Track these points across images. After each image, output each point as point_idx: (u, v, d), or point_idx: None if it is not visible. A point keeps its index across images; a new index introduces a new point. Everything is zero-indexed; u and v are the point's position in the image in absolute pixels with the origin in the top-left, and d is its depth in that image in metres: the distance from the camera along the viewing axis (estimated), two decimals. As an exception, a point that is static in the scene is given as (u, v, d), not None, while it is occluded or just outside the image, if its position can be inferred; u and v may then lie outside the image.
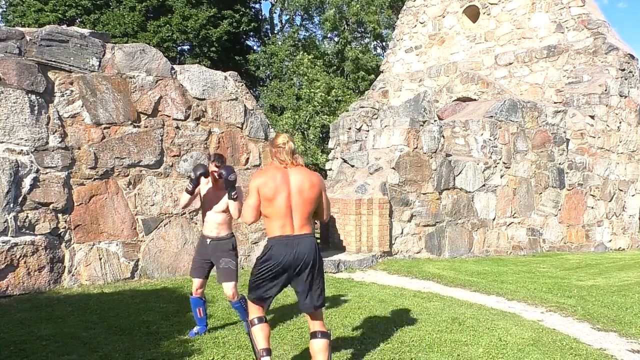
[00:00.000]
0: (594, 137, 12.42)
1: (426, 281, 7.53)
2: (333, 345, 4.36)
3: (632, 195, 13.54)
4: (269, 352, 3.46)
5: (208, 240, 4.55)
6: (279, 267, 3.37)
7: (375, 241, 8.91)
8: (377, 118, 11.37)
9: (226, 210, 4.49)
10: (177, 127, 7.14)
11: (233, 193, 4.29)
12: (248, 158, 7.79)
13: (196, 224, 7.31)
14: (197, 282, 4.61)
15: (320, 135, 23.57)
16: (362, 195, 8.99)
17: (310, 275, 3.42)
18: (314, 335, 3.48)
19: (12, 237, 5.82)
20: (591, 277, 8.17)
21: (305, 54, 24.01)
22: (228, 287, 4.54)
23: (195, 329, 4.57)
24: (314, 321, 3.50)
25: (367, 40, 26.50)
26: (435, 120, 9.86)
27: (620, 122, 13.04)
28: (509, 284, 7.35)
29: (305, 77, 23.08)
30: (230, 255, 4.55)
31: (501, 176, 10.82)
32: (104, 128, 6.57)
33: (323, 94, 21.65)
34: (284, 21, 29.26)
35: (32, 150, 6.01)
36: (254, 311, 3.55)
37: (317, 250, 3.44)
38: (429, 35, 16.71)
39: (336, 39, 26.45)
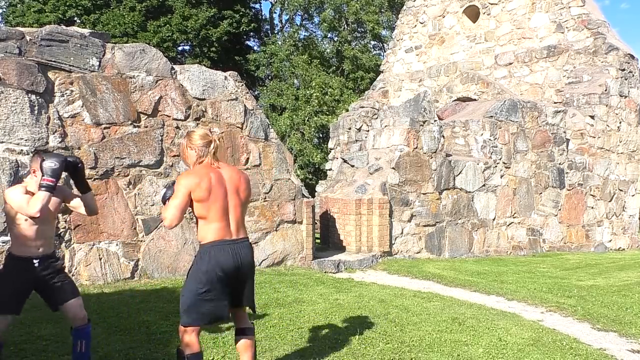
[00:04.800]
0: (594, 137, 12.42)
1: (426, 281, 7.53)
2: (333, 346, 4.37)
3: (632, 195, 13.54)
4: None
5: (36, 262, 3.39)
6: (223, 274, 3.02)
7: (375, 241, 8.91)
8: (377, 118, 11.37)
9: (55, 220, 3.72)
10: (177, 127, 7.14)
11: (86, 186, 3.54)
12: (248, 158, 7.79)
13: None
14: (6, 321, 3.37)
15: (320, 136, 23.57)
16: (362, 195, 8.99)
17: (250, 281, 3.22)
18: (243, 331, 3.26)
19: (12, 237, 5.81)
20: (591, 277, 8.17)
21: (300, 54, 24.03)
22: (79, 302, 3.54)
23: None
24: (241, 319, 3.29)
25: (366, 40, 26.49)
26: (435, 120, 9.86)
27: (620, 122, 13.04)
28: (509, 284, 7.35)
29: (302, 78, 23.12)
30: (64, 272, 3.62)
31: (501, 176, 10.82)
32: (104, 128, 6.57)
33: (319, 95, 21.66)
34: (284, 21, 29.28)
35: (32, 150, 6.01)
36: (193, 343, 3.05)
37: (253, 255, 3.24)
38: (429, 35, 16.71)
39: (335, 38, 26.46)
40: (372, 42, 27.08)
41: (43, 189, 3.18)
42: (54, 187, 3.22)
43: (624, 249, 13.15)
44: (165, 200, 3.19)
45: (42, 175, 3.20)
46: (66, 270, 6.21)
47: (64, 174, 3.56)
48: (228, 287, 3.08)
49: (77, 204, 3.57)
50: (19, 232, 3.35)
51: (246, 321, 3.31)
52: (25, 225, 3.33)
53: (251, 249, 3.21)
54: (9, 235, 5.81)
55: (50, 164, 3.20)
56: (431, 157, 9.67)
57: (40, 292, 3.46)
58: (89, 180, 6.38)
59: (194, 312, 3.02)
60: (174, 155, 7.06)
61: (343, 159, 10.63)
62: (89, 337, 3.49)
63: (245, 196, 3.20)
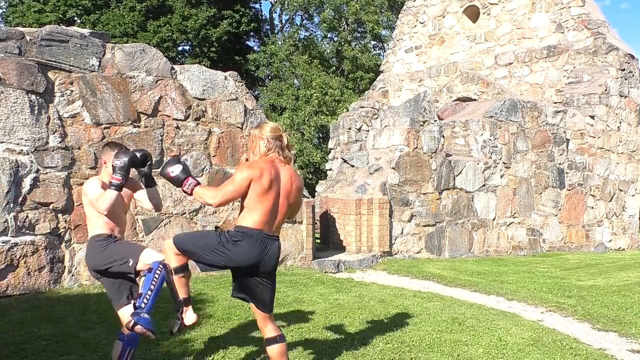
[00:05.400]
0: (594, 137, 12.42)
1: (426, 281, 7.53)
2: (333, 346, 4.37)
3: (632, 195, 13.54)
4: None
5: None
6: (254, 261, 3.07)
7: (375, 241, 8.91)
8: (377, 118, 11.37)
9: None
10: (177, 127, 7.14)
11: (153, 180, 3.62)
12: (248, 158, 7.77)
13: (196, 224, 7.31)
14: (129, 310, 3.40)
15: (320, 136, 23.57)
16: (362, 195, 8.99)
17: (272, 279, 3.22)
18: (275, 340, 3.22)
19: (12, 237, 5.81)
20: (591, 277, 8.17)
21: (301, 54, 24.02)
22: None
23: None
24: (268, 323, 3.24)
25: (366, 40, 26.49)
26: (435, 120, 9.86)
27: (620, 122, 13.04)
28: (509, 284, 7.35)
29: (302, 78, 23.12)
30: None
31: (501, 176, 10.82)
32: (104, 128, 6.57)
33: (319, 95, 21.66)
34: (284, 21, 29.28)
35: (32, 150, 6.01)
36: (176, 259, 3.18)
37: (279, 256, 3.24)
38: (429, 35, 16.71)
39: (335, 38, 26.46)
40: (372, 42, 27.08)
41: (112, 187, 3.32)
42: (122, 185, 3.34)
43: (624, 249, 13.15)
44: (170, 174, 3.14)
45: (112, 173, 3.32)
46: (66, 270, 6.23)
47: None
48: (247, 275, 3.12)
49: (141, 197, 3.64)
50: (105, 220, 3.49)
51: (276, 328, 3.29)
52: (103, 218, 3.46)
53: (279, 247, 3.22)
54: (8, 235, 5.81)
55: (117, 161, 3.32)
56: (431, 157, 9.67)
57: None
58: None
59: (191, 244, 3.13)
60: (174, 156, 7.05)
61: (343, 159, 10.63)
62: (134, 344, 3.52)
63: (293, 202, 3.21)
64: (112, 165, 3.34)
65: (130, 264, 3.41)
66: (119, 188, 3.33)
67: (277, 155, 3.14)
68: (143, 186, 3.64)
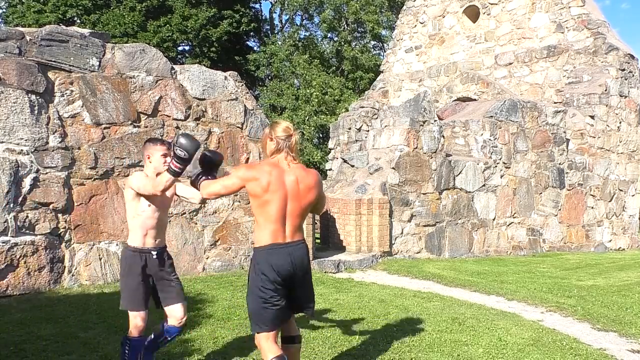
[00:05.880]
0: (594, 137, 12.42)
1: (426, 281, 7.53)
2: (333, 346, 4.37)
3: (632, 195, 13.54)
4: None
5: (154, 254, 3.43)
6: (280, 278, 2.96)
7: (375, 241, 8.91)
8: (377, 118, 11.37)
9: (166, 212, 3.59)
10: (177, 127, 7.14)
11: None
12: (248, 158, 7.79)
13: (196, 224, 7.31)
14: (143, 315, 3.39)
15: (320, 135, 23.56)
16: (362, 195, 8.99)
17: (308, 284, 3.16)
18: (292, 339, 3.25)
19: (12, 237, 5.82)
20: (591, 277, 8.17)
21: (301, 54, 24.01)
22: (182, 307, 3.52)
23: None
24: (290, 326, 3.25)
25: (366, 40, 26.49)
26: (435, 120, 9.86)
27: (620, 122, 13.04)
28: (509, 284, 7.35)
29: (302, 78, 23.11)
30: (175, 271, 3.59)
31: (501, 176, 10.82)
32: (104, 128, 6.57)
33: (319, 94, 21.66)
34: (284, 21, 29.28)
35: (32, 150, 6.01)
36: (272, 348, 2.96)
37: (309, 257, 3.18)
38: (429, 35, 16.71)
39: (335, 38, 26.46)
40: (372, 42, 27.08)
41: (171, 172, 3.11)
42: (180, 174, 3.15)
43: (624, 249, 13.15)
44: (182, 156, 3.06)
45: (172, 159, 3.09)
46: (66, 270, 6.23)
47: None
48: (285, 289, 3.01)
49: (185, 193, 3.53)
50: (140, 223, 3.39)
51: (295, 328, 3.29)
52: (146, 214, 3.38)
53: (306, 251, 3.10)
54: (8, 235, 5.79)
55: (180, 152, 3.06)
56: (431, 157, 9.67)
57: (158, 285, 3.48)
58: (88, 180, 6.41)
59: (259, 318, 2.97)
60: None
61: (343, 159, 10.63)
62: (173, 336, 3.55)
63: (308, 202, 3.06)
64: (174, 153, 3.06)
65: (125, 307, 3.39)
66: (177, 174, 3.12)
67: (287, 155, 3.03)
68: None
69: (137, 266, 3.38)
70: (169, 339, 3.56)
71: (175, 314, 3.48)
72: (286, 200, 2.97)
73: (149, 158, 3.46)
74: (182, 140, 3.07)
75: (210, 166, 3.30)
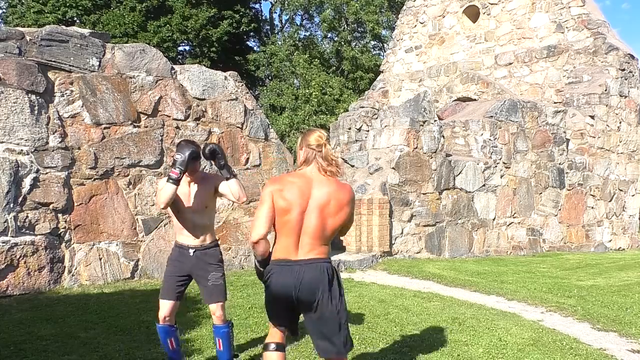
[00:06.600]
0: (594, 137, 12.41)
1: (426, 281, 7.53)
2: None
3: (632, 195, 13.54)
4: None
5: (191, 251, 3.60)
6: (281, 299, 2.76)
7: (375, 241, 8.91)
8: (377, 118, 11.36)
9: (209, 209, 3.67)
10: (177, 127, 7.14)
11: (227, 171, 3.55)
12: (248, 158, 7.79)
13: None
14: (168, 305, 3.61)
15: (320, 135, 23.52)
16: (362, 195, 8.99)
17: (324, 308, 2.73)
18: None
19: (12, 237, 5.82)
20: (591, 277, 8.17)
21: (301, 54, 24.00)
22: (218, 308, 3.62)
23: None
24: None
25: (366, 40, 26.49)
26: (435, 120, 9.86)
27: (620, 122, 13.04)
28: (509, 284, 7.35)
29: (302, 78, 23.11)
30: (219, 269, 3.67)
31: (501, 176, 10.82)
32: (104, 128, 6.57)
33: (318, 94, 21.65)
34: (284, 21, 29.29)
35: (32, 150, 6.01)
36: (271, 334, 2.95)
37: (331, 278, 2.75)
38: (429, 35, 16.71)
39: (335, 38, 26.46)
40: (372, 42, 27.07)
41: (170, 181, 3.39)
42: (179, 179, 3.40)
43: (624, 249, 13.15)
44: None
45: (172, 166, 3.42)
46: (66, 270, 6.22)
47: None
48: (288, 312, 2.83)
49: (225, 191, 3.65)
50: (175, 222, 3.65)
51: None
52: (176, 215, 3.60)
53: (320, 270, 2.74)
54: (8, 235, 5.82)
55: (177, 155, 3.42)
56: (431, 157, 9.67)
57: (197, 283, 3.68)
58: (88, 180, 6.41)
59: (267, 310, 2.96)
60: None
61: (343, 159, 10.63)
62: (224, 337, 3.64)
63: (337, 220, 2.77)
64: (173, 159, 3.43)
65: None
66: (175, 182, 3.39)
67: (319, 167, 2.79)
68: (225, 179, 3.64)
69: (171, 259, 3.68)
70: (216, 338, 3.67)
71: (211, 312, 3.68)
72: (305, 212, 2.73)
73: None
74: (178, 148, 3.46)
75: (213, 156, 3.54)
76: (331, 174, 2.80)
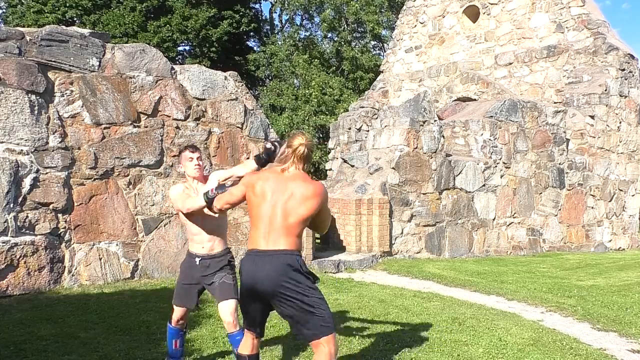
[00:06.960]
0: (594, 137, 12.41)
1: (426, 281, 7.53)
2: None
3: (632, 195, 13.54)
4: None
5: (197, 260, 3.61)
6: (248, 288, 2.88)
7: (375, 241, 8.91)
8: (377, 118, 11.36)
9: (220, 218, 3.64)
10: (177, 127, 7.14)
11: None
12: (248, 158, 7.78)
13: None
14: (180, 311, 3.70)
15: (320, 135, 23.56)
16: (362, 195, 8.99)
17: (291, 302, 2.82)
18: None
19: (12, 237, 5.82)
20: (591, 277, 8.17)
21: (301, 54, 23.99)
22: (229, 314, 3.54)
23: None
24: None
25: (366, 40, 26.48)
26: (435, 120, 9.86)
27: (620, 122, 13.04)
28: (509, 284, 7.35)
29: (302, 78, 23.10)
30: (228, 270, 3.66)
31: (501, 176, 10.82)
32: (104, 128, 6.57)
33: (318, 94, 21.64)
34: (284, 21, 29.28)
35: (32, 150, 6.01)
36: (243, 343, 3.10)
37: (295, 270, 2.83)
38: (429, 35, 16.71)
39: (335, 38, 26.46)
40: (372, 42, 27.06)
41: (206, 197, 3.29)
42: (212, 201, 3.28)
43: (624, 249, 13.15)
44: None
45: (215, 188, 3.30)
46: (66, 270, 6.22)
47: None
48: (256, 303, 2.93)
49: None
50: (187, 230, 3.67)
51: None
52: (188, 224, 3.60)
53: (283, 261, 2.82)
54: (8, 235, 5.81)
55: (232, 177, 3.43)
56: (431, 157, 9.67)
57: (207, 290, 3.68)
58: (88, 180, 6.41)
59: (241, 305, 3.07)
60: (174, 155, 7.06)
61: (343, 159, 10.63)
62: (235, 344, 3.47)
63: (302, 211, 2.87)
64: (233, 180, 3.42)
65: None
66: (209, 202, 3.28)
67: (293, 164, 2.96)
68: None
69: (182, 267, 3.75)
70: (235, 348, 3.52)
71: (222, 317, 3.64)
72: (275, 205, 2.88)
73: (182, 164, 3.73)
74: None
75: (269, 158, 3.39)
76: (296, 168, 2.96)
